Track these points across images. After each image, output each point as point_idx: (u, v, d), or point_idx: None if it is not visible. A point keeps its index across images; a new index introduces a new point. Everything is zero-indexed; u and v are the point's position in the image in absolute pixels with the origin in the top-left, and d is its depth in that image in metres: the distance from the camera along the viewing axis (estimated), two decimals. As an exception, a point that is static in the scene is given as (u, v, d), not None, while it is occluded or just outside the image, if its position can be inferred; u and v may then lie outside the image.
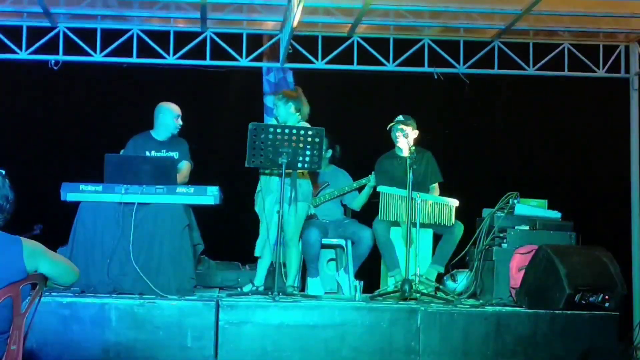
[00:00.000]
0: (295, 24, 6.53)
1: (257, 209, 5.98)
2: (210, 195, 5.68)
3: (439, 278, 6.35)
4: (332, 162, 6.94)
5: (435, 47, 7.76)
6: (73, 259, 5.22)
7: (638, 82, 7.87)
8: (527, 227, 6.08)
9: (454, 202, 6.18)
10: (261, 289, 5.95)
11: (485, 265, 6.06)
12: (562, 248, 5.72)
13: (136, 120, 6.70)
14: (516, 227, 6.08)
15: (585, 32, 7.71)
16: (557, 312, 5.36)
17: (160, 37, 7.62)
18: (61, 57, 7.55)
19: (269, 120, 7.82)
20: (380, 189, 6.22)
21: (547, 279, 5.49)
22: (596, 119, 8.37)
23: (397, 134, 6.43)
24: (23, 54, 7.51)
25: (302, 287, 6.46)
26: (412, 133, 6.37)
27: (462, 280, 6.23)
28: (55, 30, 7.52)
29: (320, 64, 7.74)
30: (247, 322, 5.18)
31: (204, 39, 7.66)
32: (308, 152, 5.67)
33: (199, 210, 5.84)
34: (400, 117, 6.43)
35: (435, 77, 7.81)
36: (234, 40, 7.72)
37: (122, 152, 6.29)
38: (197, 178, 6.29)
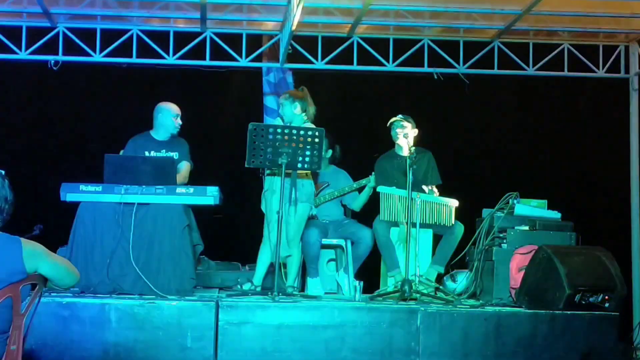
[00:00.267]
0: (295, 24, 6.53)
1: (263, 208, 5.99)
2: (210, 196, 5.68)
3: (439, 278, 6.35)
4: (332, 162, 6.94)
5: (435, 47, 7.76)
6: (73, 260, 5.23)
7: (638, 82, 7.87)
8: (527, 228, 6.08)
9: (454, 203, 6.17)
10: (259, 289, 5.95)
11: (485, 265, 6.05)
12: (562, 248, 5.72)
13: (136, 121, 6.70)
14: (516, 228, 6.07)
15: (585, 32, 7.72)
16: (557, 312, 5.36)
17: (160, 37, 7.62)
18: (61, 57, 7.55)
19: (269, 120, 7.83)
20: (380, 189, 6.21)
21: (547, 279, 5.49)
22: (596, 119, 8.37)
23: (397, 130, 6.43)
24: (23, 54, 7.51)
25: (302, 287, 6.46)
26: (412, 132, 6.36)
27: (462, 280, 6.23)
28: (55, 31, 7.52)
29: (320, 64, 7.74)
30: (247, 322, 5.17)
31: (204, 39, 7.66)
32: (308, 152, 5.67)
33: (199, 211, 5.84)
34: (399, 117, 6.44)
35: (435, 77, 7.81)
36: (233, 40, 7.72)
37: (121, 152, 6.29)
38: (197, 178, 6.30)
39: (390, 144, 6.58)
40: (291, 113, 6.01)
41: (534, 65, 7.83)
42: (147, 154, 6.24)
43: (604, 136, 8.35)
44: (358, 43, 7.74)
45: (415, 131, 6.40)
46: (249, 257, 6.27)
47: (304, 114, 6.01)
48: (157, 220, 5.60)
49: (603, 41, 7.89)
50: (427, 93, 8.16)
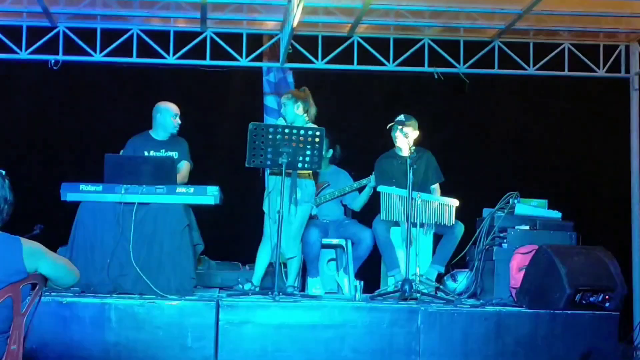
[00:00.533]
0: (295, 24, 6.53)
1: (265, 208, 5.97)
2: (210, 195, 5.68)
3: (439, 278, 6.35)
4: (333, 162, 6.94)
5: (435, 47, 7.76)
6: (73, 259, 5.22)
7: (638, 82, 7.87)
8: (527, 227, 6.08)
9: (454, 202, 6.17)
10: (257, 289, 5.95)
11: (485, 265, 6.06)
12: (562, 248, 5.72)
13: (136, 120, 6.70)
14: (516, 227, 6.08)
15: (585, 31, 7.71)
16: (557, 312, 5.36)
17: (160, 37, 7.62)
18: (61, 57, 7.55)
19: (269, 120, 7.83)
20: (380, 189, 6.21)
21: (547, 279, 5.49)
22: (596, 119, 8.37)
23: (396, 133, 6.43)
24: (23, 54, 7.51)
25: (302, 287, 6.46)
26: (413, 133, 6.36)
27: (462, 280, 6.23)
28: (55, 30, 7.52)
29: (320, 64, 7.73)
30: (248, 322, 5.18)
31: (204, 39, 7.66)
32: (308, 152, 5.67)
33: (199, 210, 5.84)
34: (401, 117, 6.43)
35: (435, 77, 7.80)
36: (234, 40, 7.72)
37: (121, 152, 6.29)
38: (197, 178, 6.30)
39: (391, 143, 6.58)
40: (293, 113, 6.01)
41: (534, 65, 7.83)
42: (146, 153, 6.24)
43: (604, 136, 8.34)
44: (358, 43, 7.74)
45: (416, 132, 6.40)
46: (249, 257, 6.27)
47: (305, 114, 6.01)
48: (157, 220, 5.60)
49: (603, 41, 7.89)
50: (427, 93, 8.16)
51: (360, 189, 6.73)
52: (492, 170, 8.30)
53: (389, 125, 6.46)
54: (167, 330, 5.11)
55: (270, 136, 5.63)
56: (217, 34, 7.68)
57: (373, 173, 6.61)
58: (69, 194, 5.61)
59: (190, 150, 6.39)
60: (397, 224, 6.21)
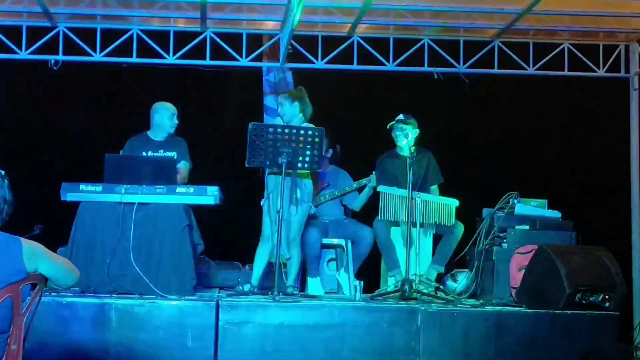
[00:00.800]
0: (295, 24, 6.52)
1: (265, 208, 5.94)
2: (210, 195, 5.68)
3: (439, 278, 6.35)
4: (333, 162, 6.94)
5: (435, 47, 7.76)
6: (73, 259, 5.22)
7: (638, 81, 7.87)
8: (527, 227, 6.08)
9: (454, 202, 6.17)
10: (256, 289, 5.95)
11: (485, 265, 6.06)
12: (562, 248, 5.72)
13: (136, 121, 6.70)
14: (516, 227, 6.08)
15: (585, 31, 7.71)
16: (557, 312, 5.36)
17: (160, 37, 7.62)
18: (61, 57, 7.54)
19: (269, 120, 7.83)
20: (380, 188, 6.21)
21: (547, 279, 5.49)
22: (596, 119, 8.37)
23: (397, 132, 6.43)
24: (23, 54, 7.50)
25: (302, 287, 6.46)
26: (413, 133, 6.36)
27: (462, 280, 6.23)
28: (55, 30, 7.51)
29: (320, 64, 7.73)
30: (248, 322, 5.18)
31: (204, 39, 7.66)
32: (308, 152, 5.67)
33: (199, 211, 5.84)
34: (401, 116, 6.43)
35: (436, 77, 7.80)
36: (234, 40, 7.72)
37: (120, 153, 6.29)
38: (197, 178, 6.29)
39: (391, 143, 6.58)
40: (290, 113, 6.02)
41: (534, 65, 7.82)
42: (144, 154, 6.23)
43: (604, 136, 8.34)
44: (358, 43, 7.74)
45: (417, 131, 6.40)
46: (249, 257, 6.26)
47: (301, 114, 6.01)
48: (157, 220, 5.60)
49: (603, 41, 7.89)
50: (427, 93, 8.16)
51: (360, 189, 6.73)
52: (492, 170, 8.30)
53: (389, 124, 6.46)
54: (167, 330, 5.11)
55: (270, 136, 5.63)
56: (217, 34, 7.67)
57: (373, 173, 6.61)
58: (69, 194, 5.61)
59: (189, 150, 6.39)
60: (397, 224, 6.21)
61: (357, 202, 6.76)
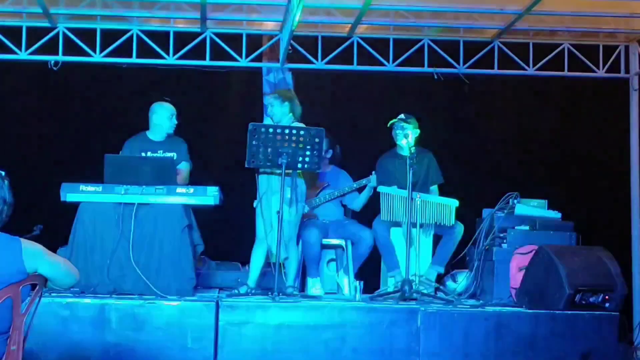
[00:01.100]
0: (295, 24, 6.52)
1: (259, 209, 5.94)
2: (210, 196, 5.68)
3: (439, 278, 6.35)
4: (333, 162, 6.94)
5: (435, 47, 7.76)
6: (73, 260, 5.22)
7: (638, 82, 7.87)
8: (527, 227, 6.08)
9: (454, 203, 6.17)
10: (253, 291, 5.95)
11: (485, 265, 6.06)
12: (562, 248, 5.72)
13: (136, 121, 6.69)
14: (516, 227, 6.07)
15: (585, 32, 7.71)
16: (557, 312, 5.36)
17: (160, 37, 7.62)
18: (61, 57, 7.55)
19: (269, 120, 7.82)
20: (380, 189, 6.21)
21: (547, 279, 5.49)
22: (596, 119, 8.37)
23: (397, 131, 6.43)
24: (23, 55, 7.51)
25: (302, 287, 6.46)
26: (412, 132, 6.36)
27: (462, 280, 6.23)
28: (55, 31, 7.52)
29: (320, 64, 7.73)
30: (247, 322, 5.18)
31: (204, 39, 7.66)
32: (308, 152, 5.67)
33: (199, 211, 5.84)
34: (402, 116, 6.43)
35: (435, 77, 7.80)
36: (233, 40, 7.72)
37: (119, 154, 6.28)
38: (197, 178, 6.29)
39: (391, 144, 6.58)
40: (280, 112, 6.02)
41: (534, 65, 7.82)
42: (143, 155, 6.22)
43: (604, 136, 8.34)
44: (358, 43, 7.74)
45: (417, 132, 6.39)
46: (249, 257, 6.26)
47: (291, 113, 6.02)
48: (157, 221, 5.60)
49: (603, 41, 7.89)
50: (427, 93, 8.16)
51: (360, 189, 6.72)
52: (492, 170, 8.30)
53: (390, 122, 6.45)
54: (167, 330, 5.11)
55: (270, 136, 5.63)
56: (216, 34, 7.67)
57: (373, 173, 6.60)
58: (69, 195, 5.61)
59: (188, 150, 6.38)
60: (397, 224, 6.20)
61: (357, 202, 6.76)
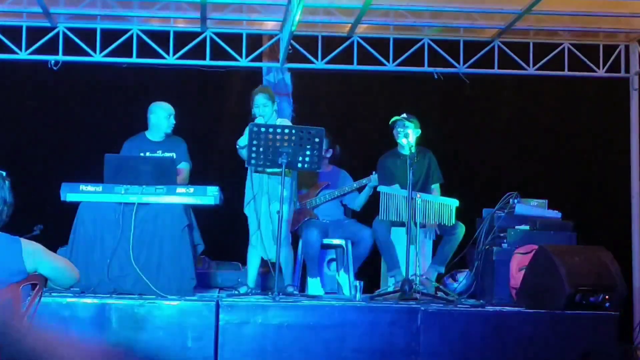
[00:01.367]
0: (295, 24, 6.52)
1: (252, 210, 5.95)
2: (210, 196, 5.68)
3: (440, 278, 6.35)
4: (333, 162, 6.94)
5: (435, 47, 7.76)
6: (73, 260, 5.22)
7: (638, 81, 7.87)
8: (527, 227, 6.08)
9: (455, 202, 6.17)
10: (253, 290, 5.95)
11: (485, 265, 6.05)
12: (562, 248, 5.72)
13: (136, 121, 6.69)
14: (516, 227, 6.07)
15: (585, 31, 7.71)
16: (557, 312, 5.36)
17: (160, 37, 7.62)
18: (61, 57, 7.54)
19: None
20: (380, 189, 6.21)
21: (547, 279, 5.49)
22: (596, 119, 8.37)
23: (398, 129, 6.43)
24: (23, 54, 7.50)
25: (302, 287, 6.46)
26: (413, 132, 6.34)
27: (462, 280, 6.23)
28: (55, 31, 7.51)
29: (320, 64, 7.73)
30: (248, 322, 5.18)
31: (204, 39, 7.66)
32: (308, 152, 5.68)
33: (199, 211, 5.84)
34: (403, 115, 6.43)
35: (435, 77, 7.80)
36: (234, 40, 7.72)
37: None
38: (197, 178, 6.29)
39: (391, 143, 6.58)
40: (270, 112, 6.08)
41: (534, 65, 7.82)
42: (142, 155, 6.22)
43: (604, 136, 8.34)
44: (358, 43, 7.74)
45: (418, 131, 6.38)
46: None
47: (275, 112, 6.11)
48: (157, 220, 5.60)
49: (603, 41, 7.89)
50: (427, 93, 8.15)
51: (360, 189, 6.72)
52: (492, 170, 8.29)
53: (392, 120, 6.45)
54: (167, 330, 5.11)
55: (270, 136, 5.63)
56: (217, 34, 7.67)
57: (373, 172, 6.61)
58: (69, 194, 5.61)
59: (188, 150, 6.37)
60: (397, 224, 6.20)
61: (357, 202, 6.76)
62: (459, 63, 7.78)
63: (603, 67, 7.89)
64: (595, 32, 7.75)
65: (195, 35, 7.66)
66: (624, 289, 5.52)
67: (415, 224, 5.97)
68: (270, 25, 7.77)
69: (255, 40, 7.88)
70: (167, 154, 6.23)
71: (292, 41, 7.35)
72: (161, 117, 6.30)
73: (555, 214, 6.23)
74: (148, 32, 7.58)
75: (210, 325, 5.13)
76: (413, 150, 6.01)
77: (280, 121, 6.10)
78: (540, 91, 8.35)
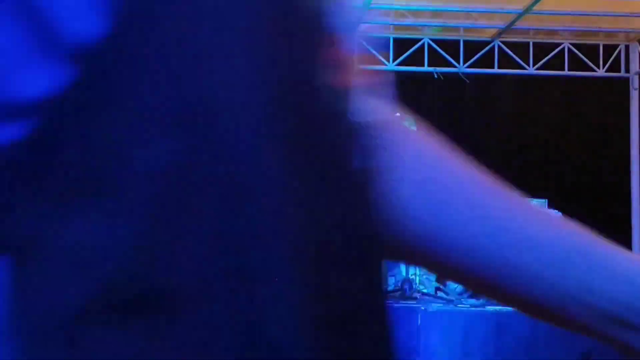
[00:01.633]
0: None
1: None
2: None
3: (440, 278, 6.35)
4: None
5: (435, 46, 7.76)
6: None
7: (638, 81, 7.87)
8: (527, 227, 6.07)
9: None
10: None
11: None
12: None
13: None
14: (516, 227, 6.06)
15: (585, 31, 7.71)
16: (557, 312, 5.35)
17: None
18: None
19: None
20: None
21: (547, 279, 5.48)
22: (596, 119, 8.37)
23: None
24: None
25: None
26: None
27: (462, 280, 6.22)
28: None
29: (320, 64, 7.73)
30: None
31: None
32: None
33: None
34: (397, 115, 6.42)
35: (435, 76, 7.81)
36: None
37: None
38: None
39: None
40: None
41: (534, 65, 7.83)
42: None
43: (604, 136, 8.34)
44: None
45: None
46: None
47: None
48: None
49: (603, 40, 7.89)
50: (427, 93, 8.16)
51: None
52: (491, 170, 8.27)
53: None
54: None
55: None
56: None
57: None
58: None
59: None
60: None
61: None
62: (458, 63, 7.79)
63: (603, 67, 7.89)
64: (595, 32, 7.75)
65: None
66: (624, 289, 5.51)
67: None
68: (270, 25, 7.78)
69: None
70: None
71: (292, 41, 7.36)
72: None
73: (555, 213, 6.22)
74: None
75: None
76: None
77: None
78: (540, 91, 8.35)
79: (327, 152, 0.49)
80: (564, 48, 7.83)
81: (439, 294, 5.93)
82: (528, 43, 7.84)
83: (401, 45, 7.80)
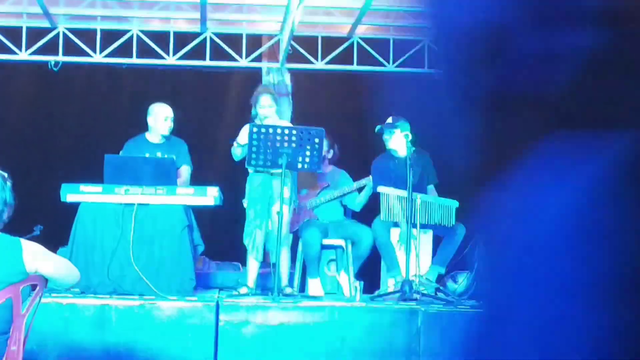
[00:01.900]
0: (295, 24, 6.53)
1: (252, 212, 5.95)
2: (210, 196, 5.68)
3: (440, 279, 6.35)
4: (332, 162, 6.93)
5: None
6: (73, 260, 5.21)
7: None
8: (527, 228, 6.06)
9: (455, 203, 6.17)
10: (254, 290, 5.95)
11: (485, 265, 6.05)
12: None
13: (136, 122, 6.70)
14: (516, 228, 6.06)
15: None
16: (557, 312, 5.35)
17: (160, 37, 7.62)
18: (61, 58, 7.55)
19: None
20: (380, 189, 6.21)
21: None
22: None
23: (385, 137, 6.42)
24: (23, 55, 7.51)
25: (302, 287, 6.46)
26: (400, 135, 6.22)
27: (462, 281, 6.23)
28: (55, 31, 7.52)
29: (320, 65, 7.74)
30: (247, 322, 5.17)
31: (204, 40, 7.66)
32: (308, 153, 5.68)
33: (199, 211, 5.84)
34: (389, 120, 6.40)
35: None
36: (234, 40, 7.72)
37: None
38: (197, 178, 6.29)
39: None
40: (279, 111, 6.11)
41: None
42: (141, 156, 6.21)
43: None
44: (358, 44, 7.74)
45: (407, 134, 6.17)
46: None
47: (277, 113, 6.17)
48: (157, 221, 5.60)
49: None
50: (426, 93, 8.15)
51: (360, 189, 6.72)
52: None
53: (377, 128, 6.40)
54: (167, 330, 5.11)
55: (270, 137, 5.64)
56: (216, 34, 7.68)
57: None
58: (69, 195, 5.61)
59: (189, 151, 6.36)
60: (397, 224, 6.20)
61: (357, 202, 6.75)
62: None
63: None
64: None
65: (195, 36, 7.67)
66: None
67: (415, 225, 5.96)
68: (270, 26, 7.78)
69: (255, 41, 7.88)
70: (168, 156, 6.21)
71: (292, 42, 7.36)
72: (158, 119, 6.24)
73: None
74: (148, 33, 7.59)
75: (210, 326, 5.12)
76: (412, 150, 5.99)
77: (280, 122, 6.10)
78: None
79: None
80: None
81: (439, 295, 5.93)
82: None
83: (401, 46, 7.80)
